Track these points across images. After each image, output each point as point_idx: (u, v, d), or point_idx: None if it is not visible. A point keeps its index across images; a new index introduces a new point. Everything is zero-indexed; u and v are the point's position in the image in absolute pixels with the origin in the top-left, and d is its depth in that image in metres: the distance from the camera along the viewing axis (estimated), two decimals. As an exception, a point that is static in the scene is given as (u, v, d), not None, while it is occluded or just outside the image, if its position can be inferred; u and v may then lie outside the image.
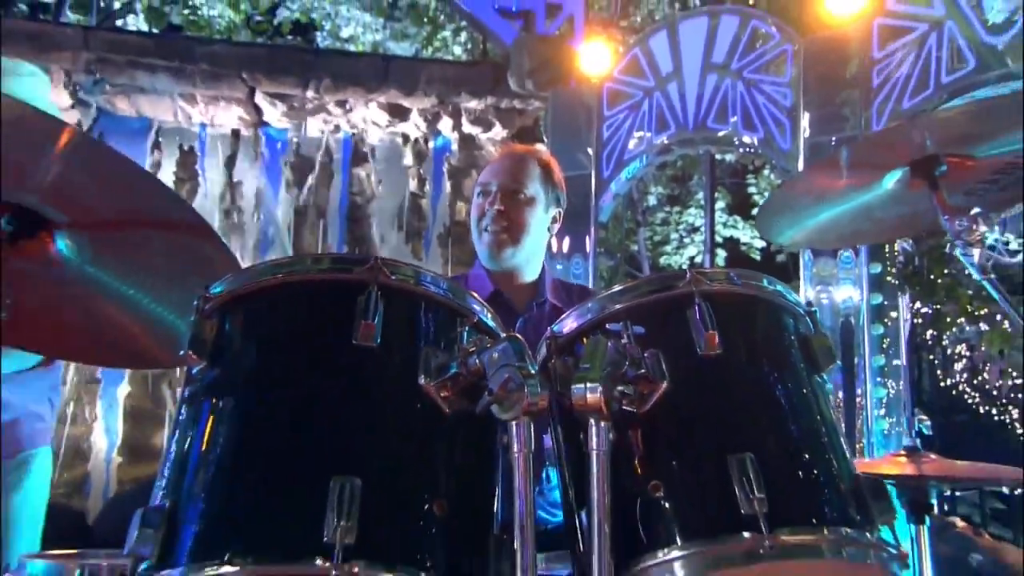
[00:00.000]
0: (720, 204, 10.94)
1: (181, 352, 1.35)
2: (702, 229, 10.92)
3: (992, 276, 1.58)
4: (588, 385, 1.20)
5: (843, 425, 5.84)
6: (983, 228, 1.51)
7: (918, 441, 2.28)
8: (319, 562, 1.11)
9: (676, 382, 1.25)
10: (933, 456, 1.94)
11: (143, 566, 1.19)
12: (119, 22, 10.59)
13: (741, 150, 6.28)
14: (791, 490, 1.29)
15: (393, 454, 1.26)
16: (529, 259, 2.56)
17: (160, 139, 6.54)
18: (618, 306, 1.37)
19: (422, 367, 1.24)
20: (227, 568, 1.14)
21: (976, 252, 1.51)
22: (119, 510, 5.10)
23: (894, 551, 1.33)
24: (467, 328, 1.34)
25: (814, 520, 1.29)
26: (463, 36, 10.82)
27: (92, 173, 1.45)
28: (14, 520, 2.83)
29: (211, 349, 1.31)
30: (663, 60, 6.13)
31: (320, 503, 1.13)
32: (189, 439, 1.31)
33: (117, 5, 10.71)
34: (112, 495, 5.88)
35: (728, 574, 1.30)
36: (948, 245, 7.56)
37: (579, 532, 1.35)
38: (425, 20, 10.76)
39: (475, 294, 1.43)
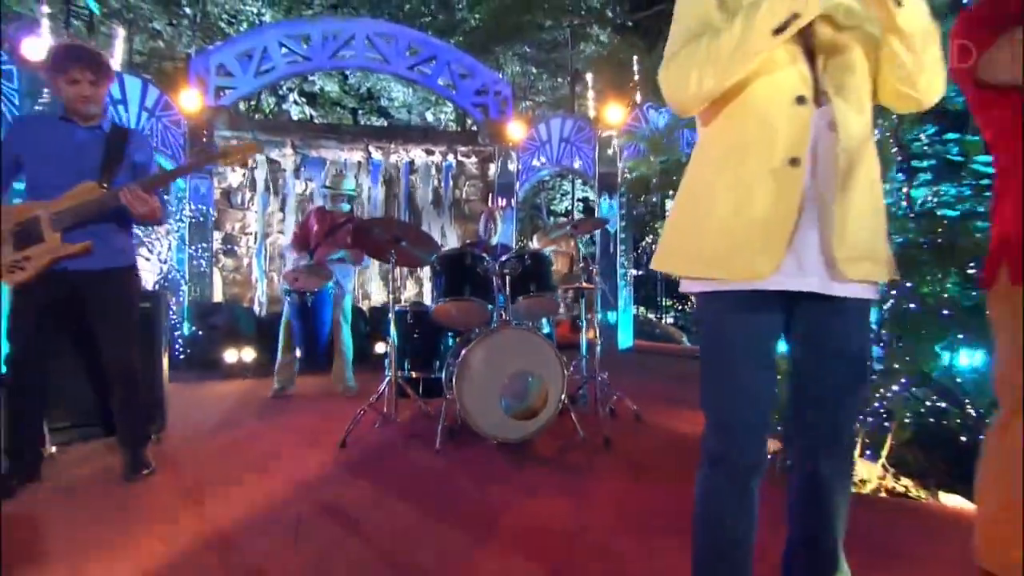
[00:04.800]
0: (579, 183, 11.17)
1: (430, 261, 2.54)
2: (570, 193, 11.76)
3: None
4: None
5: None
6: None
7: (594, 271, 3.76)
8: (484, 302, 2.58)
9: (532, 259, 2.59)
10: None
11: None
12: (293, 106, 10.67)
13: (576, 171, 6.90)
14: (541, 284, 2.58)
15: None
16: (498, 237, 3.47)
17: (328, 167, 6.88)
18: (528, 244, 2.77)
19: (487, 258, 2.53)
20: (458, 297, 2.55)
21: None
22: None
23: (556, 297, 2.68)
24: (487, 255, 2.57)
25: (549, 287, 2.56)
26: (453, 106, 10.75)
27: (392, 224, 2.79)
28: (348, 316, 3.54)
29: (437, 264, 2.55)
30: (543, 133, 6.79)
31: (471, 275, 2.55)
32: (438, 281, 2.55)
33: (292, 100, 10.65)
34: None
35: (543, 298, 2.63)
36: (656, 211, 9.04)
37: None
38: (435, 98, 10.65)
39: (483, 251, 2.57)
